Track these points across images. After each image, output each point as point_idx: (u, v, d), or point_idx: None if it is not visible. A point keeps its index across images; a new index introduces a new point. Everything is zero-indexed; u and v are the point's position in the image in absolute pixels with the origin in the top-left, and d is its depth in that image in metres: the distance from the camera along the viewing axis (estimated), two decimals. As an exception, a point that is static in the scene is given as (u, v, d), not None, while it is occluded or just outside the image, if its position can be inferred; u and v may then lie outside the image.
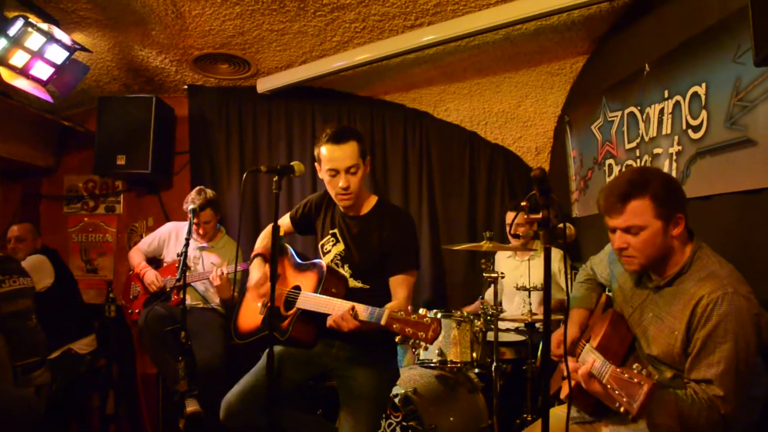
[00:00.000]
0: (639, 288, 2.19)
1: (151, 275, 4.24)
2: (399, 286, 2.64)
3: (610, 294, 2.47)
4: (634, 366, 1.68)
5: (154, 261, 4.50)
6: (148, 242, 4.46)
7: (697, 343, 1.86)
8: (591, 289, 2.56)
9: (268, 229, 3.04)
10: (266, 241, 2.97)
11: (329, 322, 2.41)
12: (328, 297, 2.54)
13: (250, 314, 2.88)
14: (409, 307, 2.30)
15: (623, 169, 3.44)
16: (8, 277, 3.60)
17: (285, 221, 3.02)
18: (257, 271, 2.83)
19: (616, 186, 2.01)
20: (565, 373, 2.00)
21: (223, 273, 3.93)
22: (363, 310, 2.36)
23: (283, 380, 2.70)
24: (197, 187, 4.27)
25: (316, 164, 2.73)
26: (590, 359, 2.12)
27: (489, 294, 3.72)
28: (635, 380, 1.63)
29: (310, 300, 2.57)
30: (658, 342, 2.03)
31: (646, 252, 1.99)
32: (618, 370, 1.69)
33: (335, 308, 2.47)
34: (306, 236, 3.29)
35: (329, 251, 2.78)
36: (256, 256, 2.92)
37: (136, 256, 4.43)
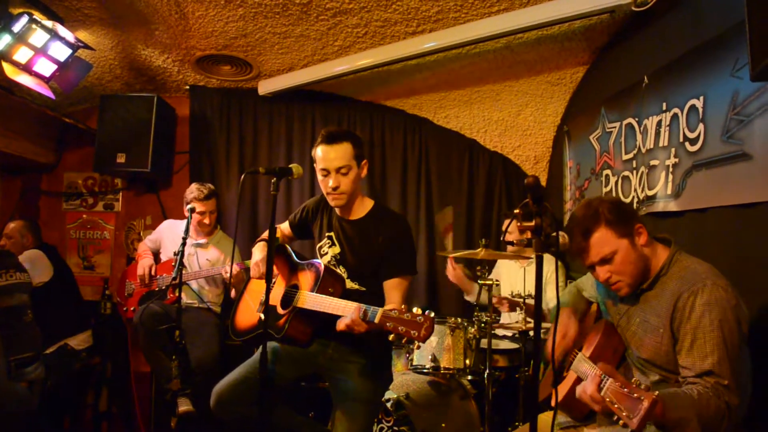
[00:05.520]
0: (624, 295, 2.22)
1: (145, 263, 4.28)
2: (393, 289, 2.64)
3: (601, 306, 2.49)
4: (633, 380, 1.68)
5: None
6: (152, 239, 4.52)
7: (687, 336, 1.90)
8: (579, 297, 2.62)
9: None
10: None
11: (340, 325, 2.38)
12: (324, 296, 2.54)
13: (247, 312, 2.89)
14: (403, 306, 2.30)
15: (619, 180, 3.46)
16: (5, 271, 3.61)
17: (285, 227, 3.07)
18: (260, 252, 2.86)
19: (575, 227, 2.12)
20: (556, 380, 2.00)
21: (229, 270, 3.85)
22: (356, 309, 2.36)
23: (276, 375, 2.71)
24: (195, 183, 4.32)
25: (315, 165, 2.75)
26: (584, 369, 2.14)
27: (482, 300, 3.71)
28: (635, 395, 1.61)
29: (308, 299, 2.58)
30: (646, 345, 2.07)
31: (627, 271, 2.07)
32: (617, 384, 1.68)
33: (333, 307, 2.47)
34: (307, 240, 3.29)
35: (326, 253, 2.80)
36: (260, 240, 2.96)
37: (144, 246, 4.51)
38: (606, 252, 2.05)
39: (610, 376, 1.75)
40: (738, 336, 1.86)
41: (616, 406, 1.66)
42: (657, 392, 1.60)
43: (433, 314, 2.20)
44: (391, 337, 2.23)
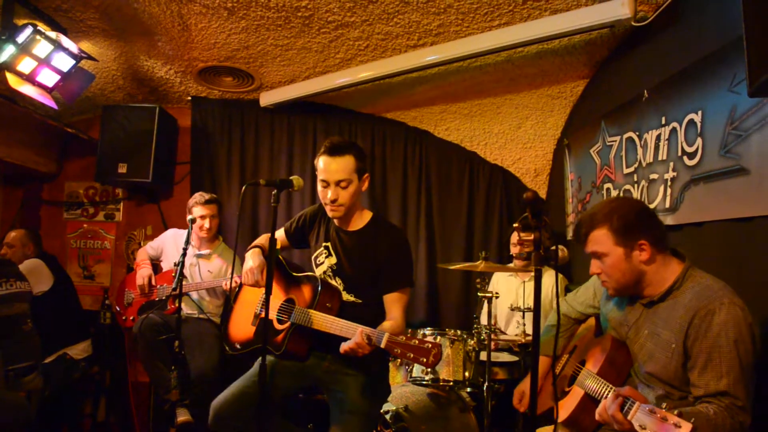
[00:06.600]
0: (633, 306, 2.22)
1: (144, 273, 4.27)
2: (393, 304, 2.64)
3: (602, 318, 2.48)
4: (664, 405, 1.64)
5: (153, 268, 4.52)
6: (154, 246, 4.51)
7: (701, 354, 1.88)
8: (552, 334, 2.60)
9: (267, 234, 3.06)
10: (264, 240, 2.97)
11: (344, 348, 2.37)
12: (325, 314, 2.54)
13: (242, 324, 2.88)
14: (409, 331, 2.29)
15: (621, 194, 3.47)
16: (5, 280, 3.61)
17: (280, 234, 3.03)
18: (254, 259, 2.78)
19: (585, 217, 2.18)
20: (554, 395, 2.00)
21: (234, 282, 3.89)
22: (361, 333, 2.33)
23: (274, 389, 2.70)
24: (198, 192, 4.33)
25: (316, 173, 2.74)
26: (594, 386, 2.13)
27: (483, 314, 3.71)
28: (670, 422, 1.56)
29: (307, 317, 2.57)
30: (655, 358, 2.05)
31: (614, 277, 2.12)
32: (648, 408, 1.64)
33: (337, 328, 2.46)
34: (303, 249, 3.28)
35: (322, 263, 2.80)
36: (254, 247, 2.91)
37: (143, 254, 4.49)
38: (598, 250, 2.12)
39: (635, 400, 1.73)
40: (752, 355, 1.85)
41: (646, 430, 1.63)
42: (693, 419, 1.57)
43: (434, 333, 2.20)
44: (398, 361, 2.22)
